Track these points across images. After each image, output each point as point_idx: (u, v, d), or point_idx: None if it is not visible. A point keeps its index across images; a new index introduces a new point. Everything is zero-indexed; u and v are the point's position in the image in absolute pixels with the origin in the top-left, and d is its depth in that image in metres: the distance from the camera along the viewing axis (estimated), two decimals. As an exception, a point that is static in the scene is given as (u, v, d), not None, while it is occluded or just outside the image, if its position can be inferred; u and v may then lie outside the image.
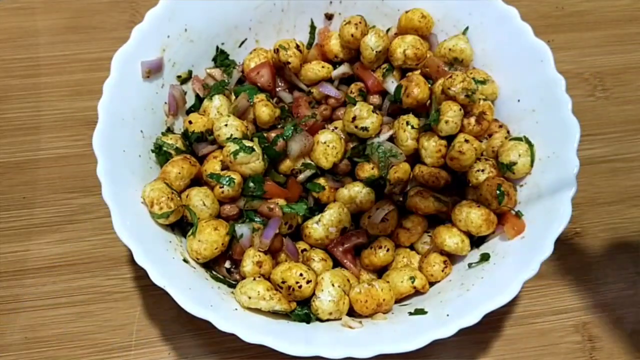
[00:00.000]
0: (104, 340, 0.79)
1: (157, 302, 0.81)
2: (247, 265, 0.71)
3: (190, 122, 0.79)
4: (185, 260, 0.70)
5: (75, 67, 0.98)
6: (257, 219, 0.74)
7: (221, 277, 0.74)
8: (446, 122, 0.74)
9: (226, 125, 0.75)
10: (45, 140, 0.92)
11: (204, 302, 0.65)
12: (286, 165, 0.77)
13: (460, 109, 0.74)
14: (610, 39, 1.04)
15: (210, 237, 0.70)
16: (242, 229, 0.72)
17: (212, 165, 0.76)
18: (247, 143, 0.74)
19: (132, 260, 0.83)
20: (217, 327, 0.62)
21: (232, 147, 0.73)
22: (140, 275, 0.83)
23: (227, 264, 0.74)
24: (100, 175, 0.67)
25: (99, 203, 0.87)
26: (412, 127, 0.77)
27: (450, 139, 0.77)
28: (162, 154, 0.77)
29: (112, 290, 0.82)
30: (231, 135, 0.75)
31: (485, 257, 0.73)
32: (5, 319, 0.80)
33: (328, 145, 0.77)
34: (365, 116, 0.76)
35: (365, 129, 0.77)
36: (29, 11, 1.03)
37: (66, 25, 1.02)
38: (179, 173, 0.73)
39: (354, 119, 0.77)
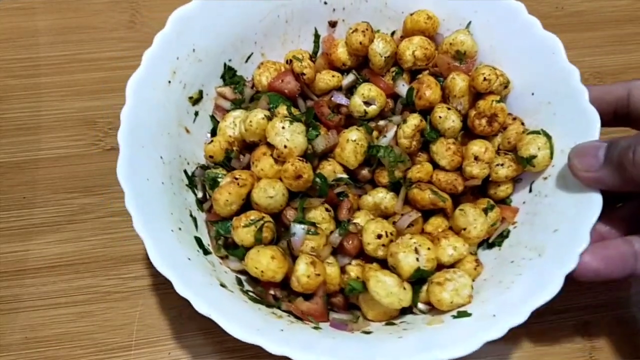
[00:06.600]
0: (104, 340, 0.79)
1: (157, 302, 0.81)
2: (301, 265, 0.69)
3: (211, 157, 0.79)
4: (222, 285, 0.68)
5: (75, 67, 0.98)
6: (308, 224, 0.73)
7: (258, 297, 0.71)
8: (444, 120, 0.75)
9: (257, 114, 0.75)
10: (45, 140, 0.92)
11: (251, 326, 0.62)
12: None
13: (449, 108, 0.77)
14: (610, 39, 1.04)
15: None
16: (296, 228, 0.71)
17: (265, 163, 0.74)
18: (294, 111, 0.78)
19: (132, 260, 0.84)
20: (268, 350, 0.60)
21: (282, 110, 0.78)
22: (140, 275, 0.83)
23: (273, 291, 0.72)
24: (130, 207, 0.65)
25: (99, 203, 0.88)
26: (408, 127, 0.76)
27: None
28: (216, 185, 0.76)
29: (112, 290, 0.82)
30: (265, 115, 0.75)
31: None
32: (5, 319, 0.80)
33: (358, 144, 0.75)
34: (367, 92, 0.78)
35: (368, 103, 0.78)
36: (29, 11, 1.03)
37: (66, 25, 1.02)
38: (227, 200, 0.72)
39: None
